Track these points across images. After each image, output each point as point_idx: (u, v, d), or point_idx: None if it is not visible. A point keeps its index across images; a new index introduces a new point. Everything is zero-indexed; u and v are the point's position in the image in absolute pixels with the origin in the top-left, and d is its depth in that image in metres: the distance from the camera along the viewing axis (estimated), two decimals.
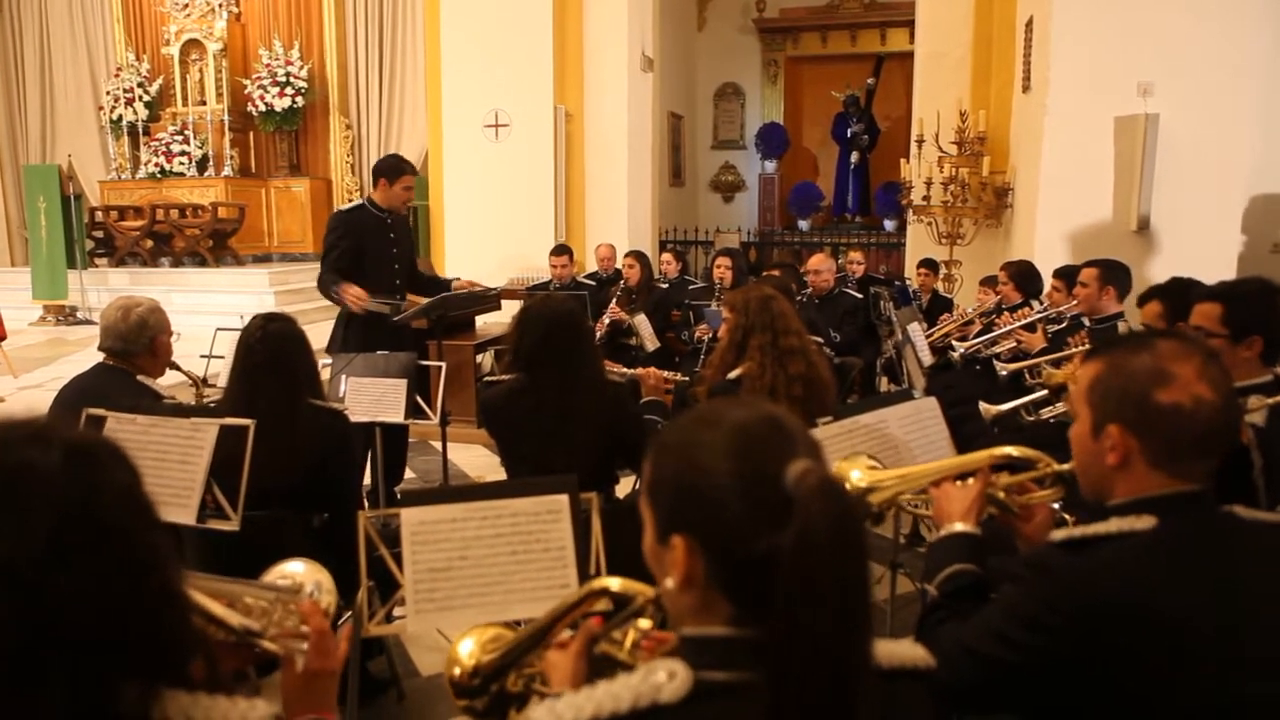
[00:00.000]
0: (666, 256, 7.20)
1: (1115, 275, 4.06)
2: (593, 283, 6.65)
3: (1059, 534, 1.31)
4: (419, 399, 3.46)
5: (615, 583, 1.23)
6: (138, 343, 2.82)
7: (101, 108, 11.57)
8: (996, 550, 1.66)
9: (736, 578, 0.90)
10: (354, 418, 3.47)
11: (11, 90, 12.21)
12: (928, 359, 4.08)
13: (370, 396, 3.42)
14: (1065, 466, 1.49)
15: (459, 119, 8.70)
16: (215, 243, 10.32)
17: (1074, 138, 5.69)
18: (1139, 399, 1.27)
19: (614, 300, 5.82)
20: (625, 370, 3.11)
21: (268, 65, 10.73)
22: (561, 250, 6.60)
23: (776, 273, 4.84)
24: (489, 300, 5.25)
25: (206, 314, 9.47)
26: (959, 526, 1.54)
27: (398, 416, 3.39)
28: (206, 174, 10.73)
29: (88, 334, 8.77)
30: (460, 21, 8.57)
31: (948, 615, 1.43)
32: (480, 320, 7.49)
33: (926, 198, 7.08)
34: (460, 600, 1.64)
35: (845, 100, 12.46)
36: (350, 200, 10.98)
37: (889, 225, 11.92)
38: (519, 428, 2.69)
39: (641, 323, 5.03)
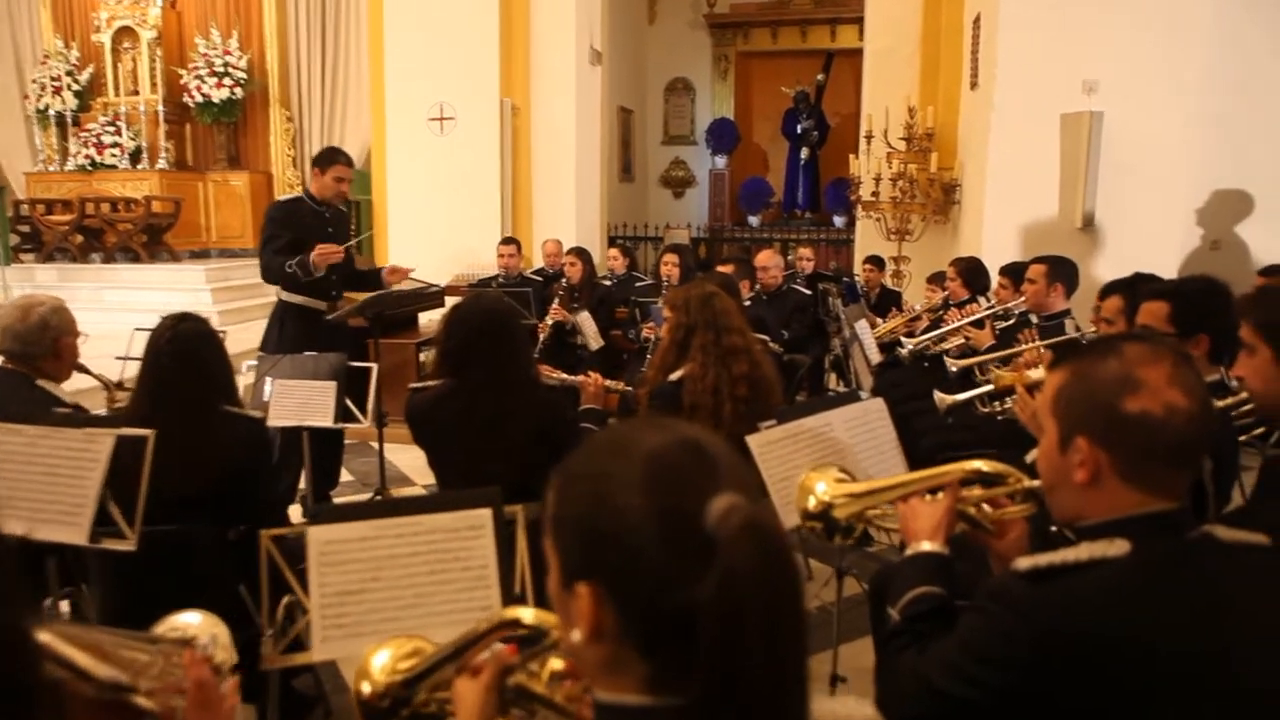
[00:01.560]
0: (613, 252, 7.07)
1: (1063, 272, 4.04)
2: (539, 279, 6.50)
3: (1024, 562, 1.20)
4: (349, 402, 3.31)
5: (528, 614, 1.10)
6: (39, 345, 2.64)
7: (27, 96, 11.10)
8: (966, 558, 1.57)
9: (651, 633, 0.78)
10: (280, 422, 3.32)
11: None
12: (876, 357, 4.02)
13: (297, 399, 3.26)
14: (1036, 483, 1.41)
15: (403, 112, 8.49)
16: (149, 238, 9.97)
17: (1020, 134, 5.69)
18: (1106, 408, 1.18)
19: (556, 299, 5.68)
20: (564, 376, 2.99)
21: (205, 55, 10.37)
22: (509, 240, 6.44)
23: (729, 268, 4.75)
24: (429, 297, 5.08)
25: (140, 312, 9.08)
26: (926, 546, 1.45)
27: (326, 420, 3.23)
28: (140, 166, 10.35)
29: None
30: (404, 12, 8.36)
31: (909, 642, 1.34)
32: (424, 317, 7.32)
33: (875, 194, 7.06)
34: (372, 626, 1.51)
35: (795, 96, 12.45)
36: (290, 192, 10.73)
37: (839, 221, 11.93)
38: (448, 435, 2.55)
39: (585, 321, 4.90)
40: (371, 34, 8.78)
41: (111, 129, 10.34)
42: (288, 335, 4.51)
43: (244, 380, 3.47)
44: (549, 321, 5.52)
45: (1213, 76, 5.48)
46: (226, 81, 10.31)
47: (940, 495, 1.48)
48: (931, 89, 7.25)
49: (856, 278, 6.99)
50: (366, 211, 9.31)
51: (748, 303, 4.58)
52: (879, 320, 5.74)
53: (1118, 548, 1.16)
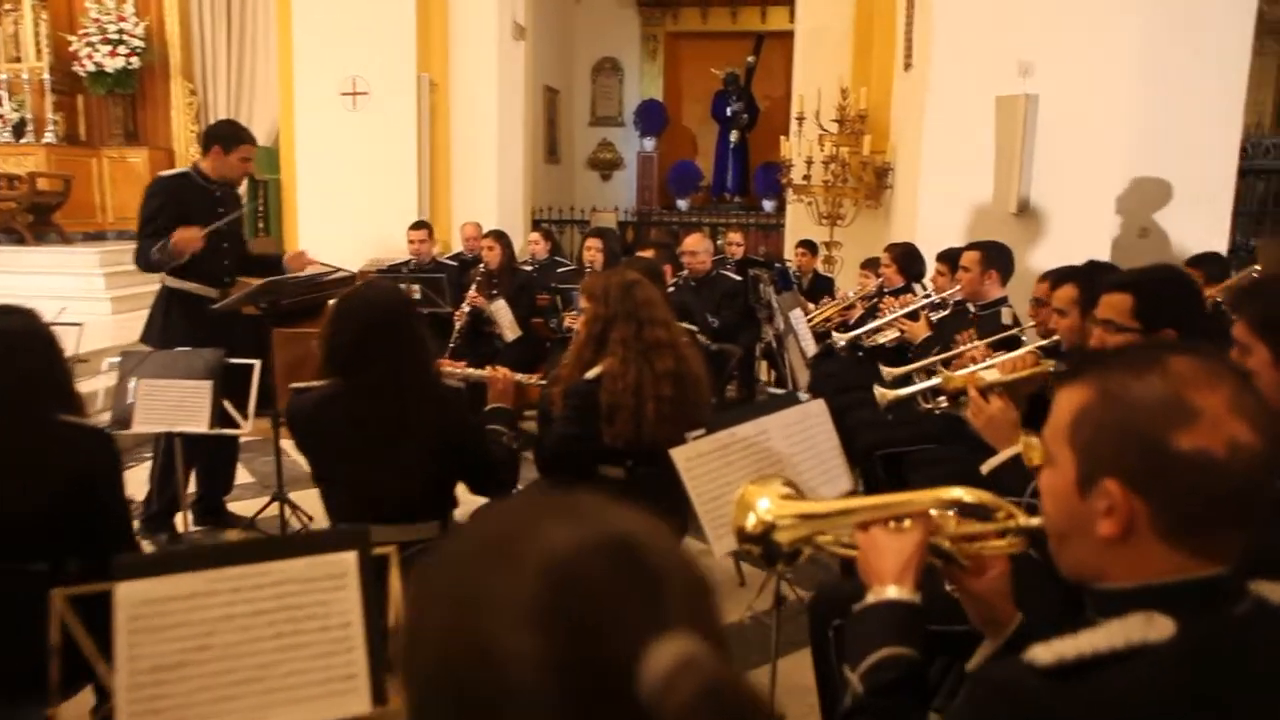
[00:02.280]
0: (535, 236, 6.74)
1: (997, 258, 3.86)
2: (454, 263, 6.13)
3: (1044, 654, 0.90)
4: (228, 405, 2.93)
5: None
6: None
7: None
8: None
9: None
10: (148, 428, 2.94)
11: None
12: (812, 349, 3.79)
13: (167, 402, 2.87)
14: (1035, 521, 1.15)
15: (312, 85, 7.99)
16: (35, 218, 9.23)
17: (955, 117, 5.53)
18: (1149, 443, 0.90)
19: (473, 285, 5.33)
20: (471, 372, 2.67)
21: (96, 20, 9.64)
22: (420, 225, 6.02)
23: (649, 253, 4.46)
24: (331, 282, 4.68)
25: (23, 298, 8.51)
26: (891, 592, 1.17)
27: (201, 425, 2.85)
28: (24, 140, 9.59)
29: None
30: None
31: None
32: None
33: (807, 177, 6.86)
34: (197, 711, 1.19)
35: (725, 78, 12.21)
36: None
37: (768, 206, 11.76)
38: (333, 444, 2.22)
39: (500, 310, 4.56)
40: (279, 4, 8.24)
41: None
42: (174, 325, 4.08)
43: (105, 381, 3.07)
44: (465, 309, 5.17)
45: (1143, 60, 5.38)
46: (121, 50, 9.60)
47: (909, 525, 1.22)
48: (864, 70, 7.06)
49: (789, 263, 6.78)
50: (275, 191, 8.78)
51: (671, 289, 4.31)
52: (812, 307, 5.53)
53: (1159, 628, 0.89)
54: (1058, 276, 2.79)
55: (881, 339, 4.13)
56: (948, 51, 5.47)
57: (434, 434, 2.19)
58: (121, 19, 9.66)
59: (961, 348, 3.40)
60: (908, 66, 6.22)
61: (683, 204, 12.54)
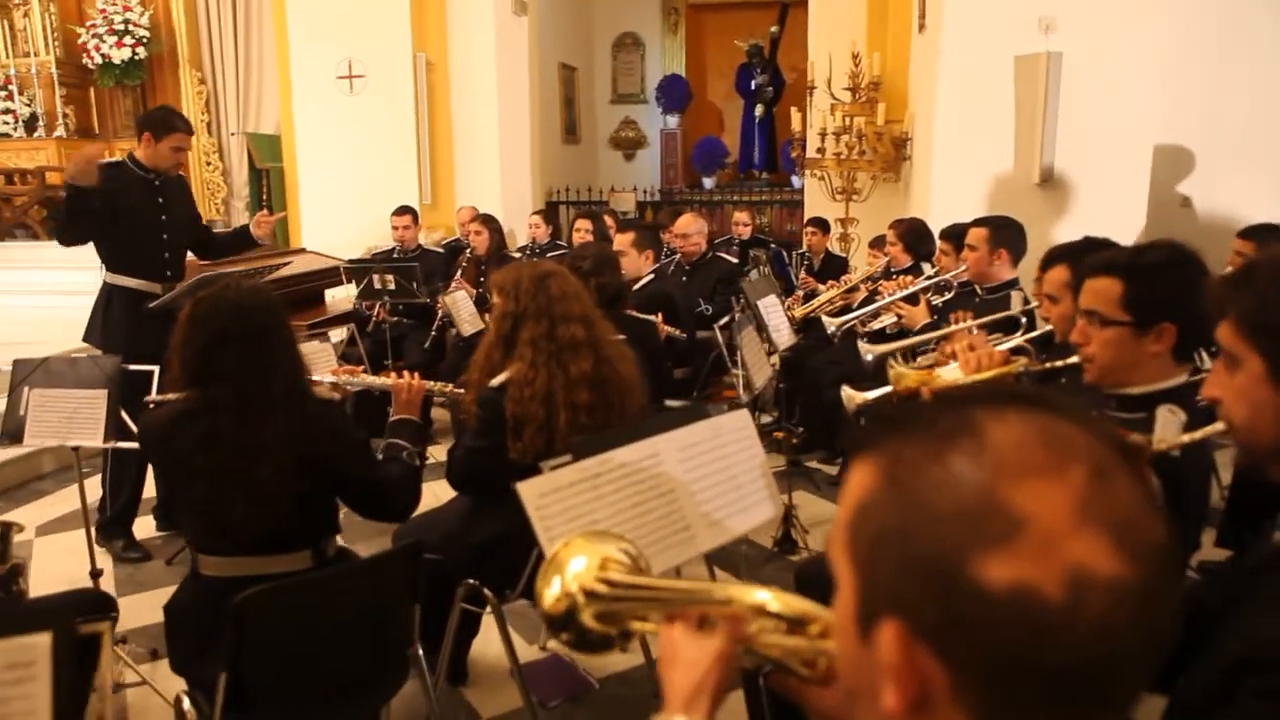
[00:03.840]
0: (534, 219, 6.42)
1: (1007, 236, 3.43)
2: (440, 250, 5.84)
3: None
4: (126, 415, 2.67)
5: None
6: None
7: None
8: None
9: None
10: (40, 441, 2.69)
11: None
12: (786, 340, 3.40)
13: (59, 413, 2.62)
14: (831, 645, 0.79)
15: (309, 70, 7.75)
16: (48, 212, 9.17)
17: (971, 80, 5.07)
18: (942, 572, 0.54)
19: (459, 272, 5.03)
20: (370, 380, 2.36)
21: (103, 11, 9.53)
22: (404, 210, 5.74)
23: (628, 236, 4.05)
24: (262, 270, 4.40)
25: (34, 293, 8.46)
26: None
27: (95, 439, 2.60)
28: (36, 135, 9.53)
29: None
30: None
31: None
32: (330, 295, 6.65)
33: (821, 150, 6.42)
34: None
35: (749, 50, 11.72)
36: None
37: (797, 182, 11.28)
38: (186, 464, 1.93)
39: (458, 301, 4.23)
40: None
41: (2, 94, 9.52)
42: (114, 323, 3.86)
43: None
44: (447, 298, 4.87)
45: (1181, 6, 4.87)
46: (127, 40, 9.49)
47: (715, 628, 0.88)
48: (880, 34, 6.58)
49: (806, 242, 6.34)
50: (278, 180, 8.59)
51: (650, 276, 3.95)
52: (820, 288, 5.13)
53: None
54: (1049, 255, 2.38)
55: (878, 325, 3.73)
56: (961, 8, 5.00)
57: (293, 456, 1.89)
58: (127, 9, 9.54)
59: (953, 326, 3.01)
60: (921, 28, 5.75)
61: (709, 182, 12.11)
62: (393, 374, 2.33)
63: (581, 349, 2.19)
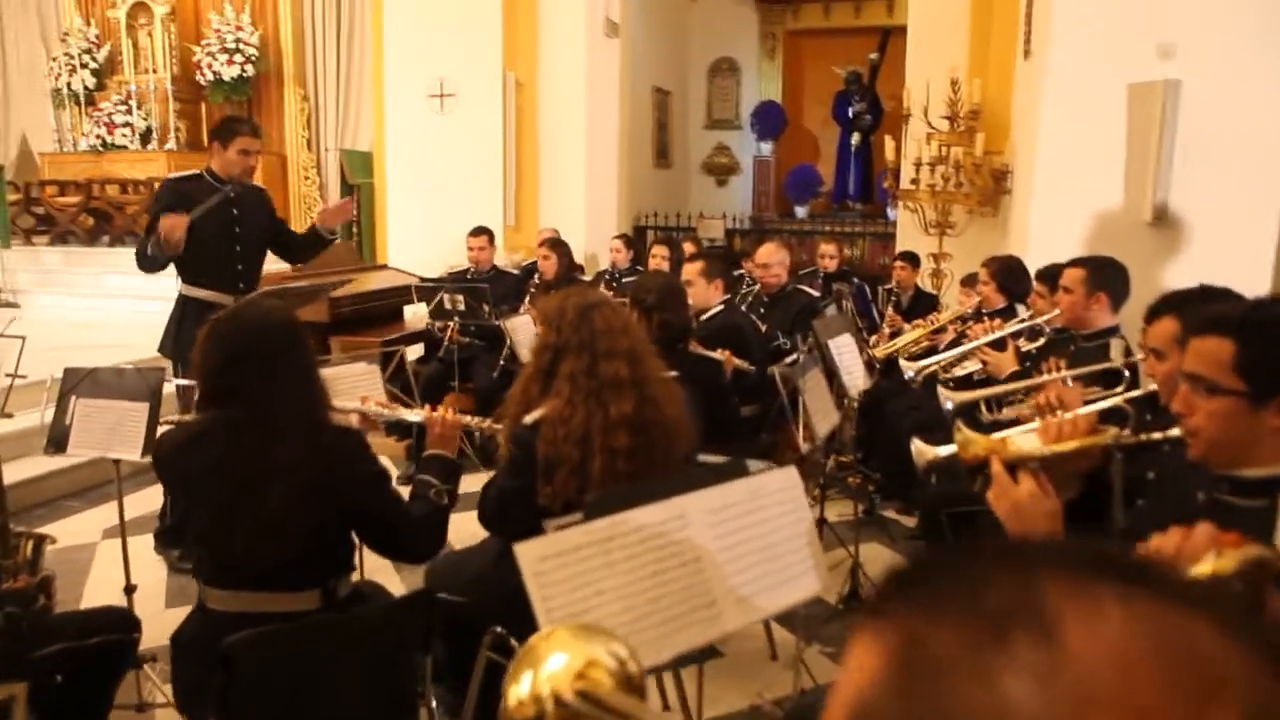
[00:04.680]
0: (615, 243, 6.31)
1: (1106, 277, 3.11)
2: (516, 272, 5.77)
3: None
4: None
5: None
6: None
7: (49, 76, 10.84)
8: None
9: None
10: (83, 453, 2.67)
11: None
12: (860, 385, 3.16)
13: (102, 425, 2.59)
14: None
15: (402, 88, 7.87)
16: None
17: (1079, 109, 4.73)
18: None
19: (528, 298, 4.94)
20: (404, 414, 2.25)
21: (217, 31, 9.93)
22: (480, 231, 5.69)
23: (697, 266, 3.87)
24: (322, 288, 4.36)
25: (140, 298, 8.77)
26: None
27: (134, 453, 2.55)
28: (150, 147, 9.96)
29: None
30: None
31: None
32: (409, 312, 6.67)
33: (915, 180, 6.14)
34: None
35: (847, 77, 11.46)
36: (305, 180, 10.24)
37: (891, 214, 10.93)
38: (195, 489, 1.84)
39: (518, 328, 4.10)
40: (373, 4, 8.17)
41: (123, 108, 9.99)
42: (185, 334, 3.88)
43: (48, 395, 2.84)
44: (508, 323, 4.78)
45: None
46: (237, 59, 9.85)
47: None
48: (982, 60, 6.27)
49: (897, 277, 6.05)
50: (368, 196, 8.74)
51: (719, 307, 3.76)
52: (905, 326, 4.86)
53: None
54: (1155, 305, 2.10)
55: (962, 370, 3.46)
56: (1072, 31, 4.69)
57: (305, 479, 1.78)
58: (238, 28, 9.91)
59: (1044, 377, 2.74)
60: (1027, 54, 5.44)
61: (801, 211, 11.86)
62: (427, 406, 2.20)
63: (624, 389, 2.03)
